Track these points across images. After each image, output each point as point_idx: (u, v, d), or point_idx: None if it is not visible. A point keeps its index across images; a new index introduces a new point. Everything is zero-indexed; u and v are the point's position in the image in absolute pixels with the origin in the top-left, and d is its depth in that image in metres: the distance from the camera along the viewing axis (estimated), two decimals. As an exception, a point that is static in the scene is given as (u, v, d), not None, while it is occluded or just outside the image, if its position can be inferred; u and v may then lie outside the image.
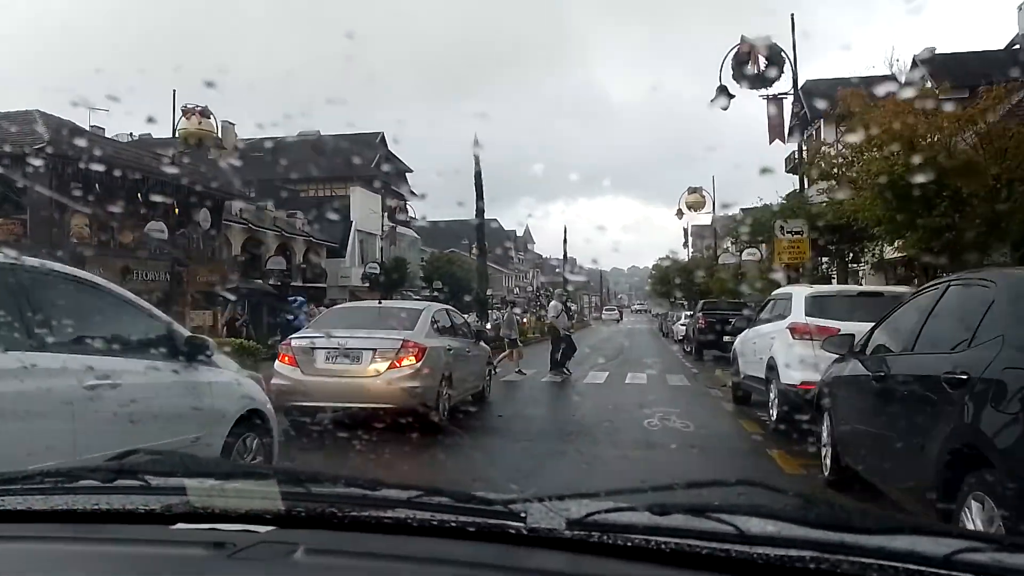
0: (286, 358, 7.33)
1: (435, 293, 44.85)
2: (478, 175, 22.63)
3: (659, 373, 14.49)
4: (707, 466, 6.39)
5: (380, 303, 8.14)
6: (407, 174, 57.13)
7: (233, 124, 49.59)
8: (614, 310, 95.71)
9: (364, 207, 41.66)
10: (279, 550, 0.99)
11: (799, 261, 12.11)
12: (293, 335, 7.83)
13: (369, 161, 49.41)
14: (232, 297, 24.92)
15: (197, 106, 21.20)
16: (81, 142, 21.62)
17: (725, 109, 14.92)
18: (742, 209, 18.55)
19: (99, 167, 20.40)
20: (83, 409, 3.03)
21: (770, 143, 15.98)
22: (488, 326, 23.53)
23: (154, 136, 40.53)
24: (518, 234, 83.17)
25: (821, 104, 16.90)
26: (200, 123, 21.12)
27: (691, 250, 64.41)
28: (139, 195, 23.67)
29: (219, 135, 21.43)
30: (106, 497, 1.17)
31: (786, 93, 16.46)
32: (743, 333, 9.84)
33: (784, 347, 7.44)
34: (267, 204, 35.42)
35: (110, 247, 23.19)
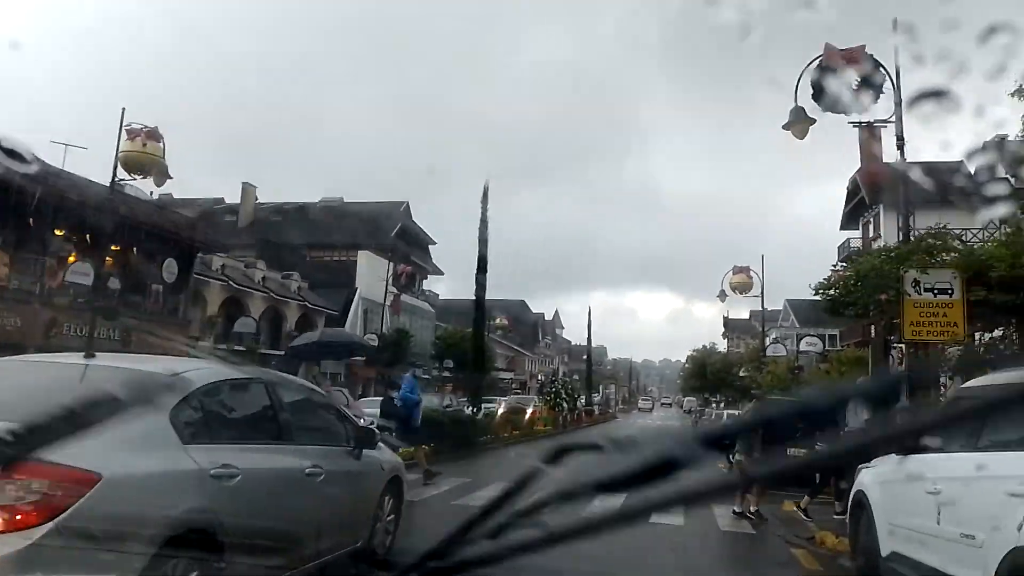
0: None
1: (444, 372, 40.52)
2: (483, 222, 18.58)
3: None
4: None
5: (87, 357, 3.61)
6: (430, 246, 53.87)
7: (255, 186, 47.14)
8: (648, 401, 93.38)
9: (372, 274, 37.67)
10: None
11: (946, 338, 7.36)
12: None
13: (389, 230, 46.30)
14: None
15: (144, 126, 17.61)
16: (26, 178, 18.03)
17: (801, 138, 11.39)
18: (832, 275, 13.64)
19: (43, 204, 16.89)
20: None
21: (863, 178, 11.43)
22: (480, 414, 18.76)
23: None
24: (547, 317, 79.38)
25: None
26: (145, 145, 17.45)
27: (728, 341, 59.32)
28: (88, 238, 20.03)
29: (165, 159, 17.61)
30: None
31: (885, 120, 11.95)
32: (876, 468, 5.09)
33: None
34: (256, 262, 31.61)
35: (36, 292, 19.35)
